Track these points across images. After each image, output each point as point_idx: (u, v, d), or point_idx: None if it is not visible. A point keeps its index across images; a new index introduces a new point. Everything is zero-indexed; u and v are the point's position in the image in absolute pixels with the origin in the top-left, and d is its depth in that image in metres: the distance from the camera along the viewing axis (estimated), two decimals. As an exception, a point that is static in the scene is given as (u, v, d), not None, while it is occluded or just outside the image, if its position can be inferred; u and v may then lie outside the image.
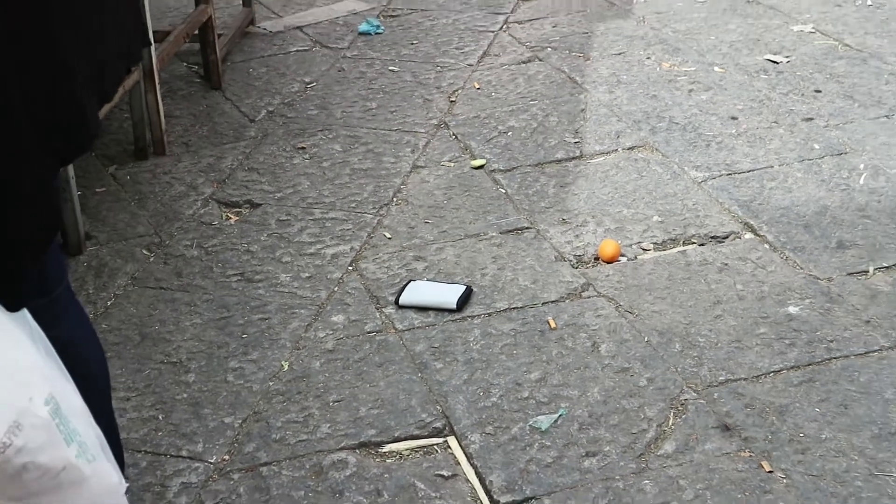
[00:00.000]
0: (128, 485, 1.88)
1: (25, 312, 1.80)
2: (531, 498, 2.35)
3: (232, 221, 3.55)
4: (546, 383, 2.73)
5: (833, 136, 3.92)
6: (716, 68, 4.58)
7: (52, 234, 1.92)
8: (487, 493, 2.37)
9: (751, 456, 2.40)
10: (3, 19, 1.70)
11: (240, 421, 2.64)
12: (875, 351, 2.80)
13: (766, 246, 3.25)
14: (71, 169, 3.20)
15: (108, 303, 3.09)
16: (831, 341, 2.79)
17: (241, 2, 5.15)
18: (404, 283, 3.16)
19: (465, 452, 2.50)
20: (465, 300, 3.06)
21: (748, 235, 3.32)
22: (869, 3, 5.26)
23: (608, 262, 3.22)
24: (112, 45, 2.10)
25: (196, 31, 4.47)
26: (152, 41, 3.70)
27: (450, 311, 3.02)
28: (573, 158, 3.82)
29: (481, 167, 3.74)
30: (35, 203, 1.88)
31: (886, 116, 4.04)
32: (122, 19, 2.25)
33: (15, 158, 1.80)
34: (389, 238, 3.44)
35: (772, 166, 3.72)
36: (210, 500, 2.39)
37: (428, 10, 5.51)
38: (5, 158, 1.77)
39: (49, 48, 1.88)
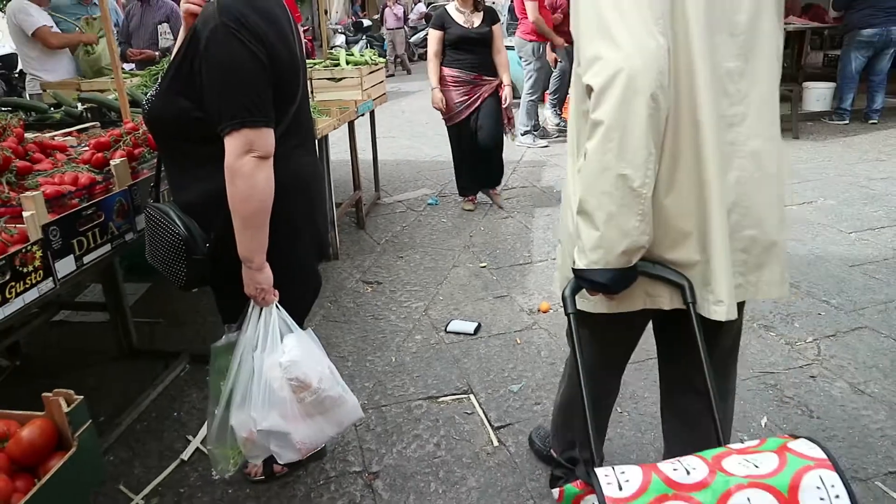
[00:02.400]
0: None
1: (309, 330, 1.82)
2: (509, 424, 2.37)
3: (369, 290, 3.49)
4: (515, 370, 2.70)
5: None
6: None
7: (316, 295, 1.97)
8: (488, 421, 2.39)
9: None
10: (306, 199, 1.74)
11: (371, 384, 2.64)
12: None
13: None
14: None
15: (311, 327, 3.01)
16: None
17: (374, 188, 5.07)
18: (449, 320, 3.09)
19: (477, 402, 2.50)
20: (477, 329, 2.99)
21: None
22: None
23: (544, 312, 3.16)
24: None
25: (354, 202, 4.40)
26: (335, 215, 3.73)
27: (470, 335, 2.98)
28: (527, 263, 3.85)
29: (485, 266, 3.78)
30: (315, 278, 1.93)
31: None
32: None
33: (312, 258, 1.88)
34: (441, 299, 3.36)
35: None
36: (357, 422, 2.32)
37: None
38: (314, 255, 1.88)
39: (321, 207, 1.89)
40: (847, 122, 7.12)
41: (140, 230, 2.00)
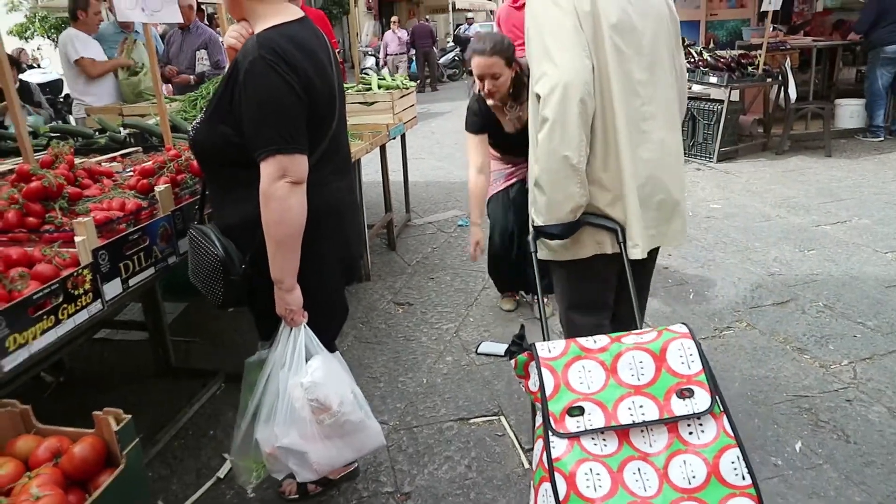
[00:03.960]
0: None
1: (337, 353, 1.88)
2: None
3: (400, 312, 3.52)
4: None
5: None
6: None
7: (343, 320, 2.04)
8: (519, 443, 2.40)
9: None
10: (338, 227, 1.80)
11: (402, 405, 2.66)
12: None
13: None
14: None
15: (343, 348, 2.99)
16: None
17: (405, 209, 5.11)
18: (480, 342, 3.11)
19: (508, 424, 2.51)
20: (508, 352, 3.03)
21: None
22: None
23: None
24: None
25: (385, 224, 4.47)
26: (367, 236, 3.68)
27: (500, 356, 3.01)
28: None
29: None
30: (342, 305, 1.99)
31: None
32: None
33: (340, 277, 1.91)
34: (472, 321, 3.37)
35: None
36: (389, 442, 2.41)
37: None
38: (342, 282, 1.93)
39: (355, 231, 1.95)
40: (882, 138, 7.04)
41: (182, 253, 2.07)
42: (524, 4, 5.01)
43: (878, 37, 6.76)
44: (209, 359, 3.15)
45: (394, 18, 16.30)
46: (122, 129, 3.40)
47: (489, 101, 2.84)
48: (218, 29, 7.41)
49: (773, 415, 2.49)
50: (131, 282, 1.85)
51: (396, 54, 14.88)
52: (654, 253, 1.96)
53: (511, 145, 2.98)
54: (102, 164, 2.55)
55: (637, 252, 1.77)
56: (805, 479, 2.16)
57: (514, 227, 3.23)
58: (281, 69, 1.52)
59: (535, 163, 1.70)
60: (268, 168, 1.53)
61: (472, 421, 2.56)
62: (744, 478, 1.34)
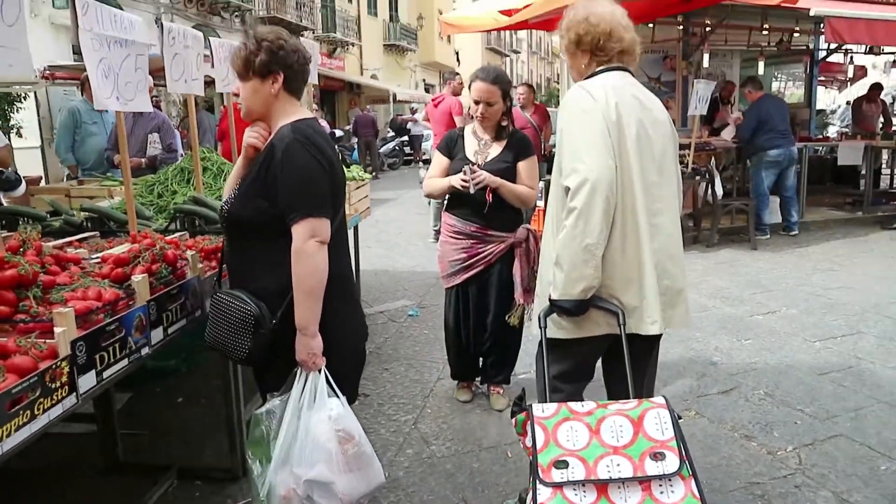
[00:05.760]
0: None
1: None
2: None
3: (356, 403, 3.44)
4: (509, 484, 2.69)
5: None
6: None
7: (359, 372, 2.31)
8: None
9: None
10: (348, 286, 2.13)
11: (365, 502, 2.65)
12: None
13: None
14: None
15: None
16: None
17: None
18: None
19: None
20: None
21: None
22: None
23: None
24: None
25: None
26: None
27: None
28: (512, 375, 3.81)
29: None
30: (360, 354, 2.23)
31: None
32: None
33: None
34: (429, 412, 3.37)
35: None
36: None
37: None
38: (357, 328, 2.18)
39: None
40: (768, 236, 7.68)
41: (155, 344, 2.06)
42: (440, 102, 6.14)
43: (759, 143, 7.52)
44: (159, 452, 3.02)
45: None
46: (77, 212, 3.36)
47: (479, 125, 3.14)
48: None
49: (729, 502, 2.59)
50: (105, 374, 1.81)
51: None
52: (657, 342, 2.18)
53: (470, 197, 3.01)
54: (65, 250, 2.51)
55: (655, 328, 2.00)
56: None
57: (472, 317, 3.28)
58: (312, 151, 1.87)
59: (560, 246, 1.95)
60: (300, 229, 1.83)
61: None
62: (709, 533, 1.52)
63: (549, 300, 2.00)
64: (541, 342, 2.05)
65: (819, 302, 5.23)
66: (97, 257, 2.38)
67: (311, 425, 1.85)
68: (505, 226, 3.11)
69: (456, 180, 3.02)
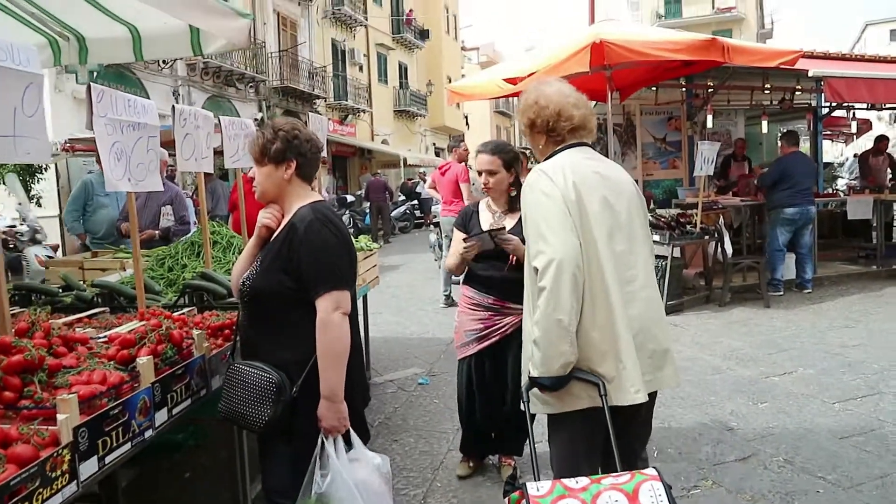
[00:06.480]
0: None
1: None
2: None
3: None
4: None
5: None
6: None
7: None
8: None
9: None
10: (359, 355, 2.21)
11: None
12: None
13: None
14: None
15: None
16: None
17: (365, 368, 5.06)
18: None
19: None
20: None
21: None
22: None
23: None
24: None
25: None
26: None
27: None
28: None
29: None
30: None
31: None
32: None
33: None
34: (439, 486, 3.27)
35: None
36: None
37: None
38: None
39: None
40: (781, 293, 7.60)
41: (159, 426, 2.05)
42: (447, 170, 6.23)
43: (778, 199, 7.54)
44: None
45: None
46: (87, 287, 3.40)
47: (487, 195, 3.20)
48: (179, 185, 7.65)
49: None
50: (108, 458, 1.79)
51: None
52: (650, 403, 2.17)
53: (485, 251, 3.02)
54: (74, 328, 2.53)
55: (639, 396, 2.00)
56: None
57: (487, 390, 3.19)
58: (331, 228, 2.04)
59: (534, 325, 1.98)
60: (325, 302, 1.96)
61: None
62: None
63: (529, 377, 2.03)
64: (533, 415, 2.13)
65: (836, 361, 5.13)
66: (105, 336, 2.40)
67: (364, 476, 2.01)
68: (522, 298, 3.08)
69: (460, 248, 3.05)
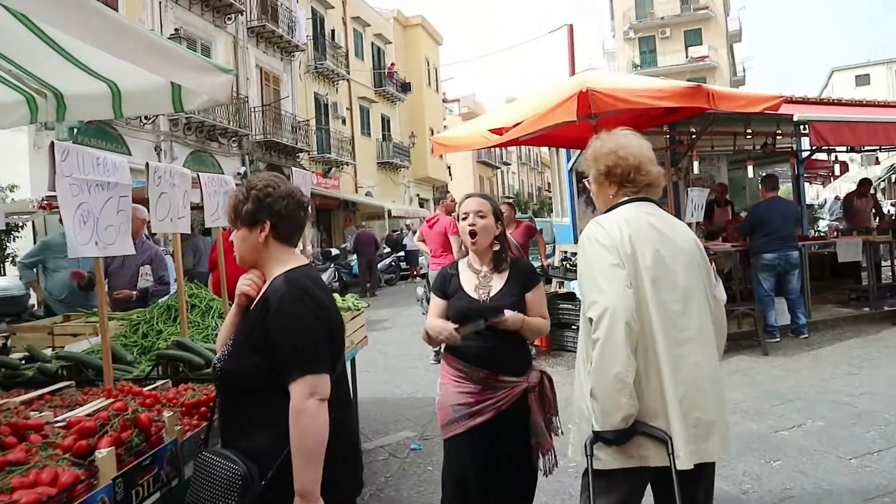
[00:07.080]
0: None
1: None
2: None
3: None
4: None
5: None
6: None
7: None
8: None
9: None
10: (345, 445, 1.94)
11: None
12: None
13: None
14: None
15: None
16: None
17: None
18: None
19: None
20: None
21: None
22: None
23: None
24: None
25: None
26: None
27: None
28: None
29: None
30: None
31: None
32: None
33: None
34: None
35: None
36: None
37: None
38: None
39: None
40: (778, 339, 7.45)
41: (118, 529, 1.77)
42: (435, 223, 6.15)
43: (756, 245, 7.48)
44: None
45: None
46: (52, 359, 3.15)
47: (472, 251, 2.80)
48: (161, 246, 7.41)
49: None
50: (56, 577, 1.53)
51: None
52: (708, 471, 2.09)
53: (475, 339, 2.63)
54: (34, 406, 2.28)
55: (679, 462, 1.92)
56: None
57: (470, 473, 2.64)
58: (307, 302, 1.81)
59: (588, 376, 1.96)
60: (299, 388, 1.74)
61: None
62: None
63: (593, 432, 1.97)
64: (585, 472, 2.02)
65: (845, 412, 4.92)
66: (64, 420, 2.14)
67: None
68: (516, 369, 2.67)
69: (444, 332, 2.64)
